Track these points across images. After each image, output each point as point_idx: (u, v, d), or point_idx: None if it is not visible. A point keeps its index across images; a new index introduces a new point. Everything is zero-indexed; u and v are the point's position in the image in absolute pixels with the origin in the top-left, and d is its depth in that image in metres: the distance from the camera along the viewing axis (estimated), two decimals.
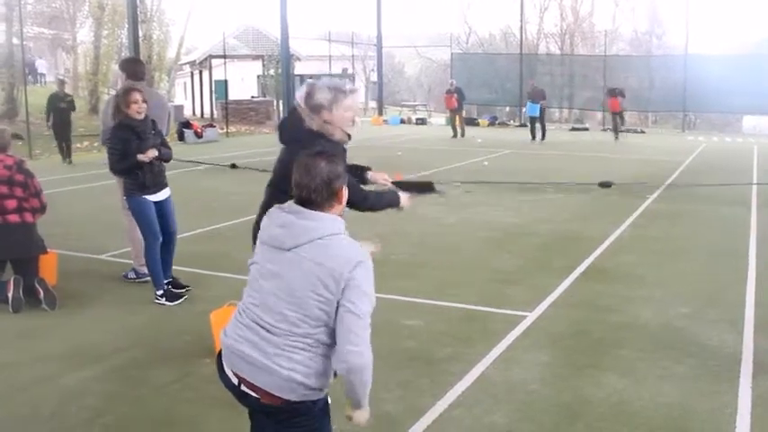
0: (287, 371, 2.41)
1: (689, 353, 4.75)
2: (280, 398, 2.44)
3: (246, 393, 2.50)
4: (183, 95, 38.82)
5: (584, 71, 30.21)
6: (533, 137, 22.20)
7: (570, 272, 6.68)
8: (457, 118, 23.50)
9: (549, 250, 7.69)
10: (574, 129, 27.81)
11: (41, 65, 37.81)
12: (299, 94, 3.54)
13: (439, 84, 43.89)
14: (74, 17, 34.50)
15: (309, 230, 2.45)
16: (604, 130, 27.30)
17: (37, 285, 5.64)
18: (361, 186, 3.81)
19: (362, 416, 2.52)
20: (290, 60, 27.02)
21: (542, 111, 22.39)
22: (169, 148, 5.89)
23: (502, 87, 31.04)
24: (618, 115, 22.25)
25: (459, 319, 5.47)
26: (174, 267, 6.03)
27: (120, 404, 4.01)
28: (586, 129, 28.00)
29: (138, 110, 5.52)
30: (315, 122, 3.50)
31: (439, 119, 31.02)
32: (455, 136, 22.98)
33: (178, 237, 6.07)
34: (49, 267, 6.05)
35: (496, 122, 29.59)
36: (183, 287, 5.93)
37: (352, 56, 33.88)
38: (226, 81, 26.85)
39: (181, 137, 21.10)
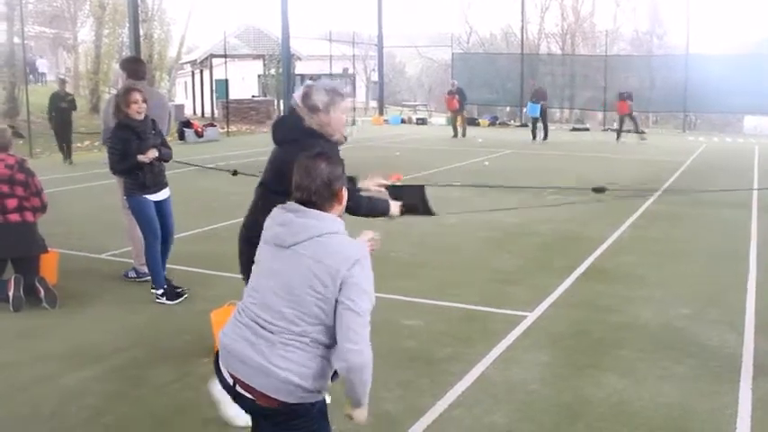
0: (283, 372, 2.40)
1: (689, 353, 4.75)
2: (276, 400, 2.43)
3: (242, 395, 2.50)
4: (184, 95, 38.83)
5: (585, 71, 30.18)
6: (534, 137, 22.25)
7: (570, 272, 6.68)
8: (459, 118, 23.50)
9: (550, 250, 7.69)
10: (575, 129, 27.80)
11: (42, 64, 37.82)
12: (297, 95, 3.52)
13: (440, 84, 43.89)
14: (75, 16, 34.51)
15: (308, 228, 2.47)
16: (605, 130, 27.30)
17: (37, 284, 5.65)
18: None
19: (362, 414, 2.52)
20: (290, 60, 27.01)
21: (544, 111, 22.49)
22: (169, 148, 5.89)
23: (503, 87, 31.02)
24: (628, 117, 22.17)
25: (459, 319, 5.48)
26: (173, 267, 6.04)
27: (121, 404, 4.01)
28: (587, 129, 27.99)
29: (138, 110, 5.53)
30: (314, 122, 3.50)
31: (439, 119, 31.02)
32: (455, 136, 22.98)
33: (178, 236, 6.08)
34: (49, 266, 6.06)
35: (497, 122, 29.58)
36: (178, 288, 5.92)
37: (353, 55, 33.82)
38: (226, 80, 26.85)
39: (181, 136, 21.11)
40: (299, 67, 32.55)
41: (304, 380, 2.42)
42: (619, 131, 22.59)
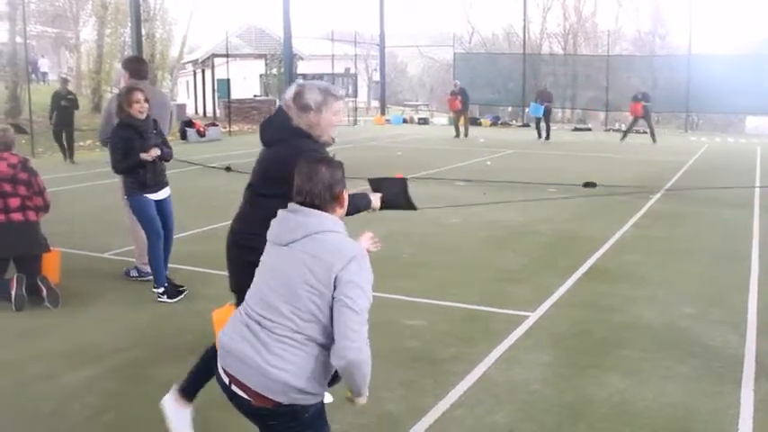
0: (277, 370, 2.41)
1: (692, 353, 4.74)
2: (270, 400, 2.44)
3: (237, 394, 2.51)
4: (186, 94, 38.88)
5: (587, 71, 30.18)
6: (540, 135, 22.44)
7: (573, 272, 6.67)
8: (462, 118, 23.51)
9: (552, 250, 7.68)
10: (576, 129, 27.80)
11: (44, 63, 37.82)
12: (289, 93, 3.42)
13: (441, 83, 43.90)
14: (77, 16, 34.58)
15: (306, 226, 2.52)
16: (607, 130, 27.30)
17: (40, 283, 5.65)
18: None
19: (362, 400, 2.54)
20: (292, 59, 27.03)
21: (548, 111, 22.70)
22: (170, 147, 5.91)
23: (504, 87, 31.02)
24: (643, 119, 22.06)
25: (461, 319, 5.47)
26: (174, 266, 6.04)
27: (122, 403, 4.01)
28: (589, 129, 27.99)
29: (140, 109, 5.54)
30: (303, 122, 3.39)
31: (441, 119, 31.03)
32: (457, 136, 22.98)
33: (178, 236, 6.08)
34: (51, 265, 6.06)
35: (499, 122, 29.58)
36: (178, 287, 5.93)
37: (355, 55, 33.86)
38: (228, 80, 26.86)
39: (183, 136, 21.12)
40: (301, 67, 32.56)
41: (297, 380, 2.42)
42: (626, 132, 22.49)
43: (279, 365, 2.41)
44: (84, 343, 4.92)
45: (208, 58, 34.10)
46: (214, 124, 23.41)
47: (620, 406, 3.98)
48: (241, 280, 3.41)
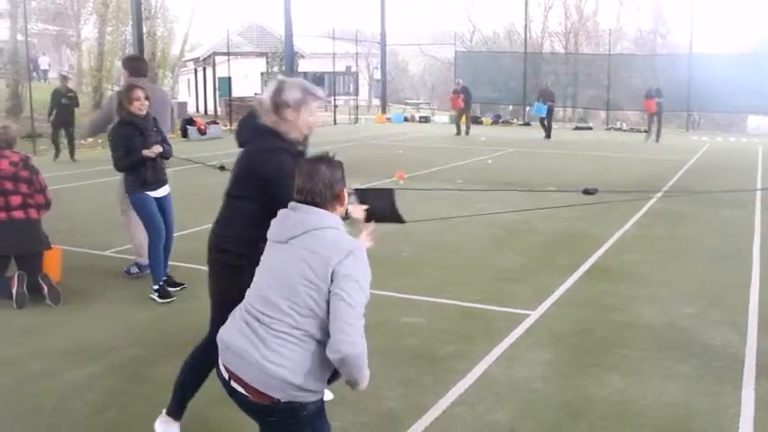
0: (275, 366, 2.42)
1: (692, 353, 4.75)
2: (268, 396, 2.45)
3: (237, 390, 2.53)
4: (187, 92, 38.86)
5: (588, 70, 30.14)
6: (547, 134, 22.45)
7: (574, 270, 6.67)
8: (463, 117, 23.51)
9: (553, 249, 7.68)
10: (577, 128, 27.79)
11: (44, 61, 37.80)
12: (268, 90, 3.35)
13: (443, 82, 43.87)
14: (78, 14, 34.54)
15: (305, 222, 2.54)
16: (608, 129, 27.28)
17: (41, 281, 5.65)
18: None
19: (361, 388, 2.52)
20: (293, 58, 27.04)
21: (550, 110, 22.84)
22: (169, 144, 5.93)
23: (506, 86, 31.00)
24: (656, 116, 22.03)
25: (461, 317, 5.47)
26: (174, 263, 6.05)
27: (123, 400, 4.02)
28: (590, 128, 27.97)
29: (140, 107, 5.55)
30: (269, 119, 3.30)
31: (442, 117, 31.01)
32: (458, 134, 22.98)
33: (179, 234, 6.09)
34: (53, 263, 6.07)
35: (500, 121, 29.58)
36: (178, 285, 5.94)
37: (356, 53, 33.83)
38: (229, 78, 26.86)
39: (184, 133, 21.12)
40: (302, 65, 32.55)
41: (295, 376, 2.43)
42: (648, 131, 22.41)
43: (276, 361, 2.43)
44: (84, 341, 4.92)
45: (209, 56, 34.08)
46: (215, 122, 23.42)
47: (620, 405, 3.99)
48: (215, 284, 3.41)
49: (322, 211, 2.57)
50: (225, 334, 2.62)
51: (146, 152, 5.54)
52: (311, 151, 3.09)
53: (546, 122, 22.79)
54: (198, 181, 12.14)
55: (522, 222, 8.90)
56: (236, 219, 3.35)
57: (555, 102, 23.69)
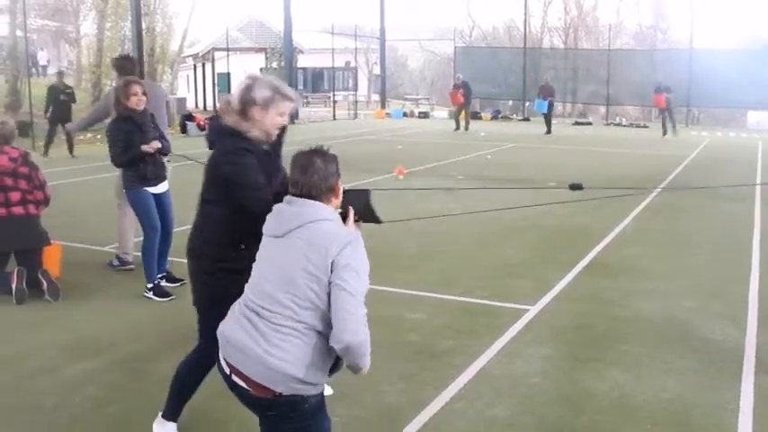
0: (276, 359, 2.43)
1: (692, 348, 4.75)
2: (270, 390, 2.46)
3: (238, 384, 2.53)
4: (186, 88, 38.78)
5: (588, 65, 30.13)
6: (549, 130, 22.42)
7: (573, 265, 6.67)
8: (463, 112, 23.48)
9: (552, 244, 7.69)
10: (577, 123, 27.78)
11: (43, 56, 37.71)
12: (238, 87, 3.26)
13: (442, 77, 43.82)
14: (77, 9, 34.47)
15: (301, 215, 2.55)
16: (607, 124, 27.26)
17: (40, 277, 5.65)
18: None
19: (364, 372, 2.52)
20: (292, 53, 27.01)
21: (551, 105, 22.86)
22: (167, 140, 5.92)
23: (505, 81, 30.98)
24: (666, 111, 22.00)
25: (461, 313, 5.48)
26: (173, 259, 6.04)
27: (124, 395, 4.03)
28: (590, 123, 27.96)
29: (137, 102, 5.55)
30: (231, 119, 3.22)
31: (442, 112, 30.98)
32: (457, 129, 22.95)
33: (177, 229, 6.08)
34: (52, 259, 6.06)
35: (499, 116, 29.56)
36: (177, 281, 5.94)
37: (356, 49, 33.76)
38: (228, 74, 26.86)
39: (183, 129, 21.09)
40: (301, 61, 32.53)
41: (297, 369, 2.43)
42: (664, 126, 22.41)
43: (277, 355, 2.43)
44: (84, 336, 4.92)
45: (208, 51, 34.02)
46: None
47: (620, 399, 3.99)
48: (194, 291, 3.37)
49: (317, 203, 2.58)
50: (225, 328, 2.62)
51: (145, 147, 5.53)
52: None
53: (547, 118, 22.83)
54: (196, 177, 12.10)
55: (522, 218, 8.89)
56: (207, 224, 3.29)
57: (555, 97, 23.74)
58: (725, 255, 7.23)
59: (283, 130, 3.30)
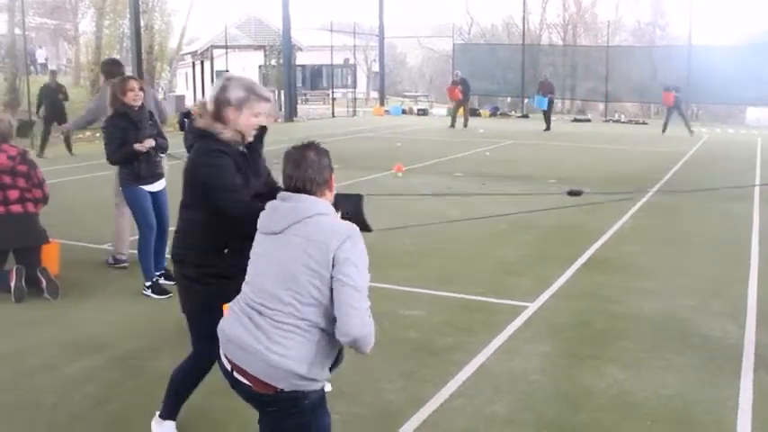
0: (280, 357, 2.43)
1: (691, 344, 4.75)
2: (272, 386, 2.46)
3: (239, 381, 2.54)
4: (185, 86, 38.73)
5: (587, 62, 30.10)
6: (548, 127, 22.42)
7: (572, 262, 6.68)
8: (461, 109, 23.46)
9: (551, 241, 7.68)
10: (576, 120, 27.77)
11: (41, 54, 37.65)
12: (214, 87, 3.22)
13: (441, 74, 43.77)
14: (75, 7, 34.46)
15: (298, 211, 2.54)
16: (606, 121, 27.26)
17: (39, 275, 5.65)
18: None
19: (368, 352, 2.51)
20: (291, 51, 26.97)
21: (550, 102, 22.91)
22: (165, 138, 5.91)
23: (504, 78, 30.95)
24: (675, 110, 21.99)
25: (460, 310, 5.48)
26: (170, 257, 6.04)
27: (123, 393, 4.03)
28: (588, 120, 27.95)
29: (134, 97, 5.54)
30: (203, 121, 3.18)
31: (440, 109, 30.96)
32: (452, 126, 22.88)
33: (172, 228, 6.07)
34: (51, 257, 6.06)
35: (498, 113, 29.54)
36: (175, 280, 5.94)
37: (354, 46, 33.72)
38: (227, 71, 26.78)
39: (182, 126, 21.01)
40: (300, 58, 32.48)
41: (300, 366, 2.43)
42: (665, 124, 22.37)
43: (280, 352, 2.43)
44: (83, 334, 4.92)
45: (207, 49, 33.97)
46: None
47: (619, 397, 3.99)
48: (180, 297, 3.36)
49: (313, 197, 2.58)
50: (225, 327, 2.61)
51: (137, 146, 5.52)
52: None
53: (546, 114, 22.84)
54: None
55: (521, 215, 8.89)
56: (187, 228, 3.27)
57: (554, 93, 23.75)
58: (724, 252, 7.23)
59: (263, 130, 3.26)
